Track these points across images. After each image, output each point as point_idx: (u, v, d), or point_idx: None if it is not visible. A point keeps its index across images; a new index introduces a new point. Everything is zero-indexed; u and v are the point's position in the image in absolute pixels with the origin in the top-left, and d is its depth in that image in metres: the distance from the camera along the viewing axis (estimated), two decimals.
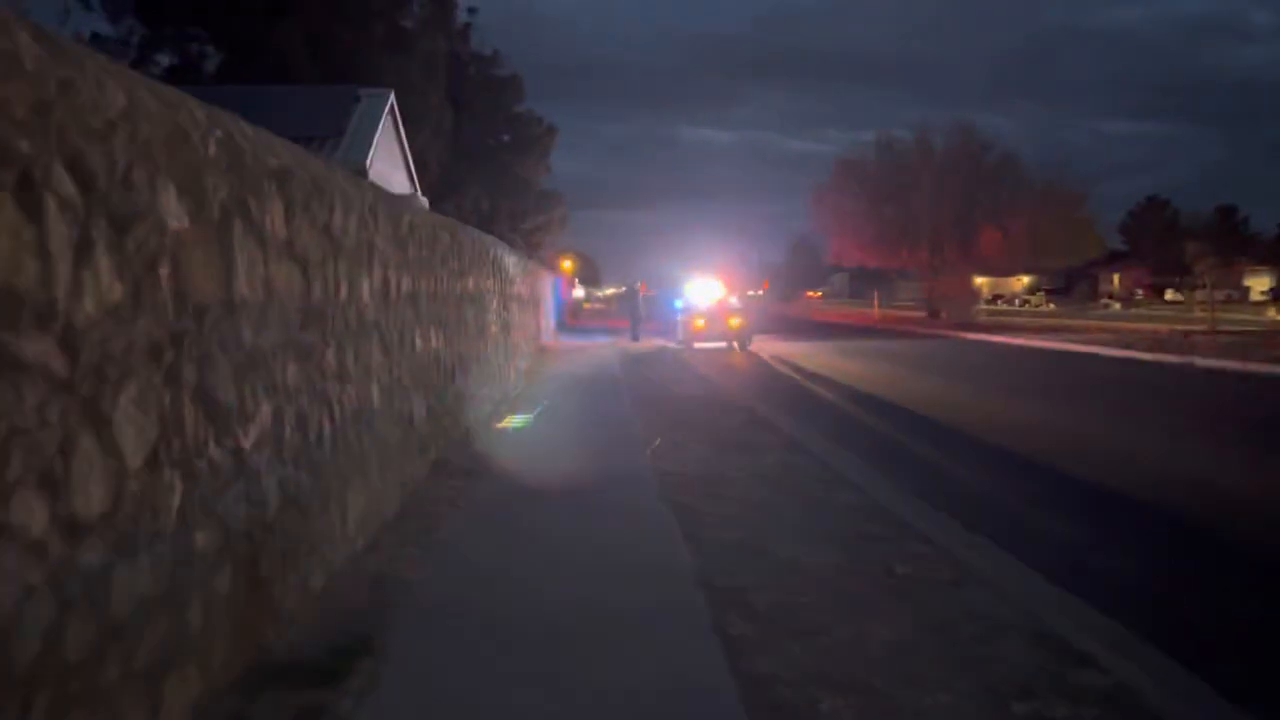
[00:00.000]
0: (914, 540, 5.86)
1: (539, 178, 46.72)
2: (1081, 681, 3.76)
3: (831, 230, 50.57)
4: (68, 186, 2.43)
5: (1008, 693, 3.63)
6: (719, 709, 3.48)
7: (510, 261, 15.41)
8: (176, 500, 2.97)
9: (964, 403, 14.26)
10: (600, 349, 25.43)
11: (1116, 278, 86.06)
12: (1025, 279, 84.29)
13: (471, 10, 41.72)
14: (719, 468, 8.13)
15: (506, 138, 43.97)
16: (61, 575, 2.33)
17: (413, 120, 26.28)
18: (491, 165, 41.00)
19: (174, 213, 3.04)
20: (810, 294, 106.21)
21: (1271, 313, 47.53)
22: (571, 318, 49.11)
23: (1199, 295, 51.80)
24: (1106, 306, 69.75)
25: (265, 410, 3.82)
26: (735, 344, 26.60)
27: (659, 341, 28.34)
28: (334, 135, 19.98)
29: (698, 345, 26.56)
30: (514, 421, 11.00)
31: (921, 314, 50.72)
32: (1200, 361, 19.53)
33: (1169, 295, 74.11)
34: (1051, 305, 72.19)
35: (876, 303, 56.24)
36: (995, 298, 78.27)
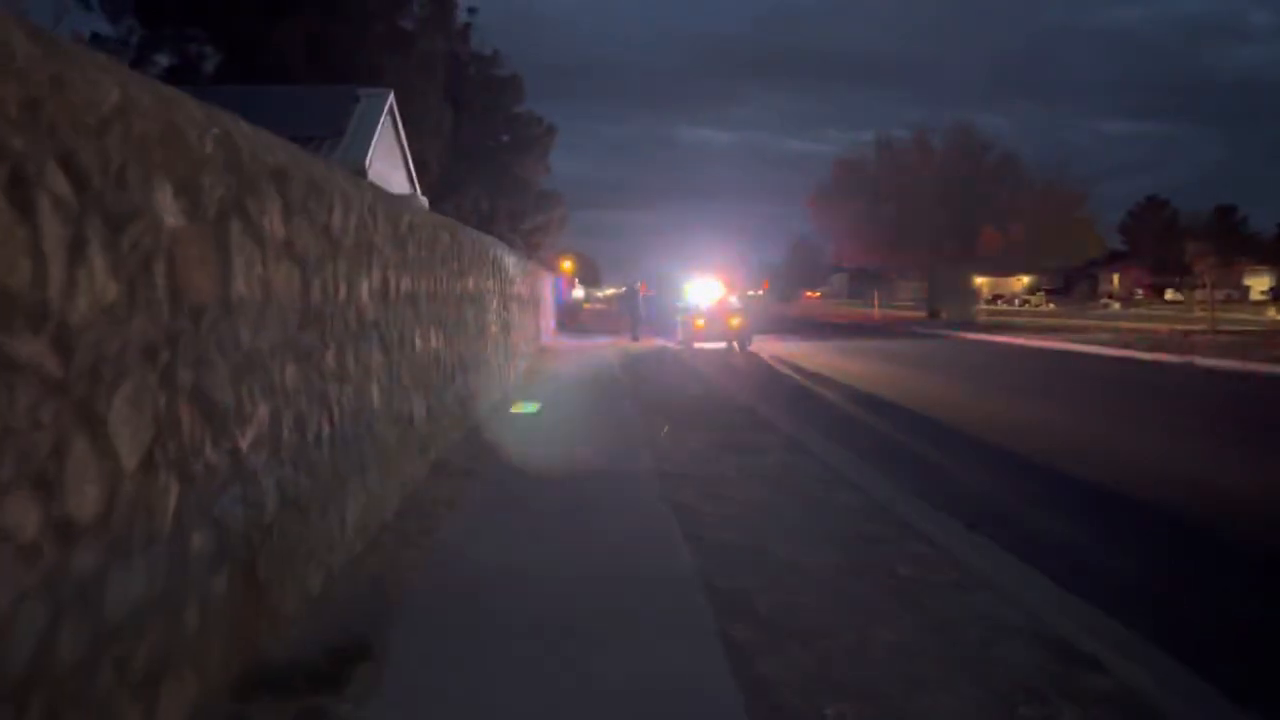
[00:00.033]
0: (915, 541, 5.83)
1: (538, 178, 46.73)
2: (1087, 685, 3.73)
3: (831, 230, 50.61)
4: (61, 184, 2.40)
5: (1013, 697, 3.60)
6: (721, 713, 3.44)
7: (510, 262, 15.38)
8: (172, 502, 2.94)
9: (964, 402, 14.23)
10: (600, 349, 25.40)
11: (1116, 278, 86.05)
12: (1025, 279, 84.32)
13: (471, 10, 41.74)
14: (719, 468, 8.10)
15: (506, 138, 43.96)
16: (55, 579, 2.30)
17: (412, 120, 26.25)
18: (491, 165, 40.98)
19: (170, 211, 3.01)
20: (808, 294, 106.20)
21: (1271, 312, 47.52)
22: (571, 318, 49.08)
23: (1199, 295, 51.80)
24: (1106, 306, 69.72)
25: (263, 411, 3.79)
26: (735, 344, 26.56)
27: (659, 341, 28.31)
28: (333, 135, 19.95)
29: (697, 345, 26.52)
30: (514, 422, 10.96)
31: (921, 314, 50.71)
32: (1201, 361, 19.50)
33: (1168, 295, 74.12)
34: (1051, 305, 72.20)
35: (876, 303, 56.22)
36: (995, 297, 78.27)
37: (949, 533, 6.21)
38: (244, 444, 3.56)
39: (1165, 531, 6.73)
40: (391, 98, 23.16)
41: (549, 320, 29.67)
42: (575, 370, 18.73)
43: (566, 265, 52.64)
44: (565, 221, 51.86)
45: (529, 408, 12.25)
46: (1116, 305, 70.18)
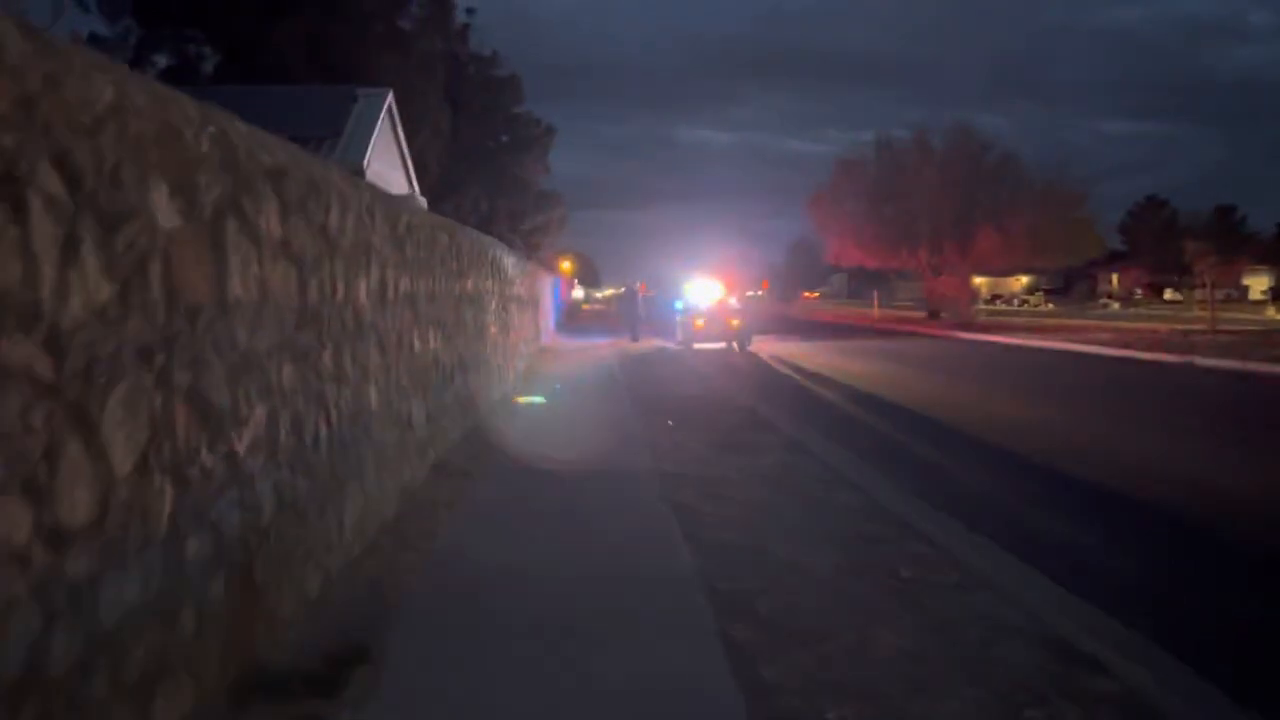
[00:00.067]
0: (916, 541, 5.81)
1: (537, 178, 46.76)
2: (1091, 687, 3.71)
3: (830, 230, 50.44)
4: (54, 184, 2.36)
5: (1018, 699, 3.58)
6: (722, 715, 3.41)
7: (509, 262, 15.35)
8: (167, 506, 2.91)
9: (963, 402, 14.19)
10: (599, 349, 25.36)
11: (1115, 277, 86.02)
12: (1024, 279, 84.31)
13: (470, 11, 41.78)
14: (720, 468, 8.07)
15: (505, 138, 43.98)
16: (47, 584, 2.26)
17: (411, 121, 26.23)
18: (490, 166, 40.99)
19: (165, 211, 2.98)
20: (806, 294, 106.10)
21: (1271, 312, 47.52)
22: (570, 318, 49.06)
23: (1198, 294, 51.77)
24: (1105, 306, 69.70)
25: (260, 413, 3.75)
26: (734, 344, 26.53)
27: (658, 342, 28.27)
28: (331, 135, 19.91)
29: (697, 346, 26.50)
30: (513, 423, 10.93)
31: (920, 314, 50.66)
32: (1201, 361, 19.47)
33: (1168, 295, 74.12)
34: (1050, 305, 72.17)
35: (876, 303, 56.17)
36: (994, 297, 78.28)
37: (949, 533, 6.19)
38: (240, 446, 3.53)
39: (1165, 531, 6.70)
40: (390, 98, 23.13)
41: (548, 321, 29.64)
42: (574, 371, 18.70)
43: (565, 266, 52.66)
44: (564, 222, 51.91)
45: (528, 409, 12.22)
46: (1116, 305, 70.13)
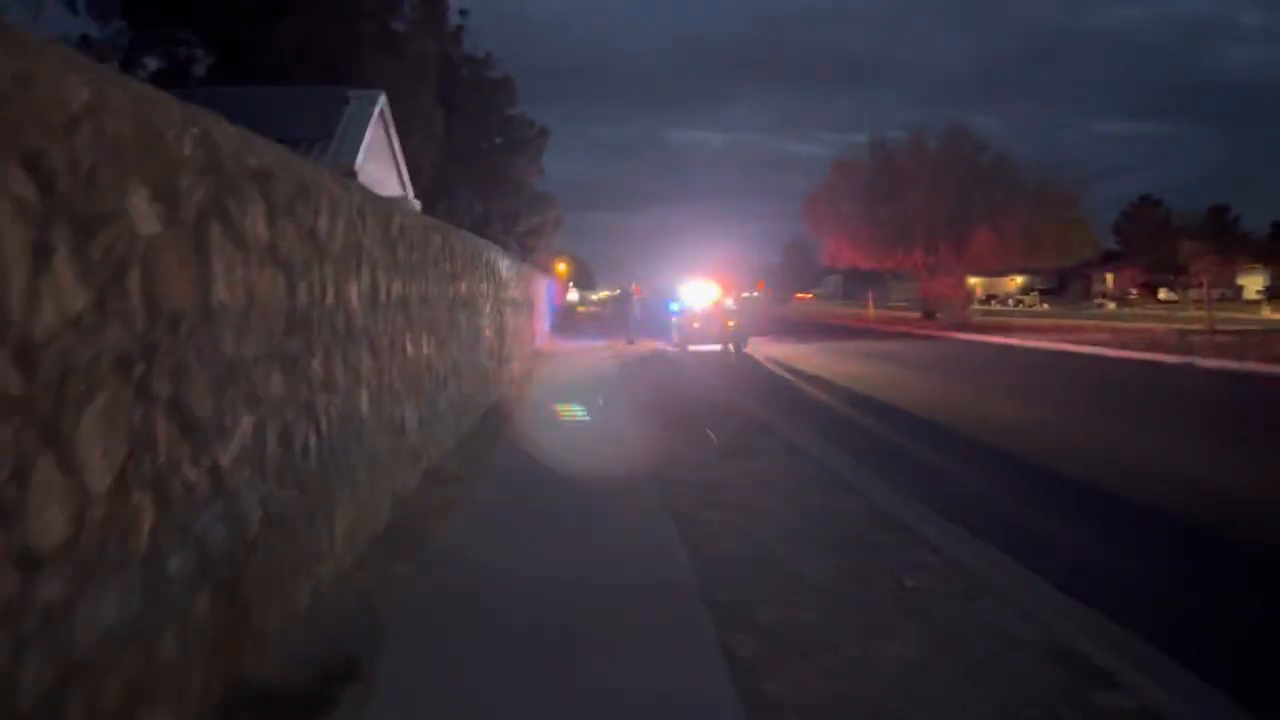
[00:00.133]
0: (919, 548, 5.71)
1: (532, 180, 46.70)
2: (1102, 702, 3.61)
3: (826, 231, 50.37)
4: (24, 187, 2.25)
5: (1026, 715, 3.48)
6: None
7: (503, 265, 15.23)
8: (147, 523, 2.79)
9: (961, 404, 14.11)
10: (595, 352, 25.25)
11: (1110, 277, 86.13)
12: (1019, 279, 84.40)
13: (463, 13, 41.70)
14: (718, 473, 7.96)
15: (499, 140, 43.91)
16: (15, 611, 2.14)
17: (404, 122, 26.09)
18: (484, 168, 40.92)
19: (145, 215, 2.86)
20: (799, 295, 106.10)
21: (1266, 311, 47.57)
22: (565, 321, 48.94)
23: (1193, 294, 51.82)
24: (1100, 306, 69.81)
25: (246, 423, 3.63)
26: (731, 347, 26.44)
27: (654, 344, 28.16)
28: (323, 137, 19.74)
29: (693, 348, 26.40)
30: (508, 427, 10.81)
31: (916, 315, 50.64)
32: (1200, 362, 19.41)
33: (1162, 294, 74.18)
34: (1045, 305, 72.26)
35: (872, 304, 56.13)
36: (989, 298, 78.30)
37: (952, 538, 6.09)
38: (225, 458, 3.41)
39: (1170, 534, 6.62)
40: (383, 99, 22.98)
41: (543, 324, 29.50)
42: (570, 374, 18.58)
43: (561, 268, 52.53)
44: (559, 224, 51.85)
45: (523, 413, 12.10)
46: (1111, 305, 70.24)
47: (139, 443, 2.76)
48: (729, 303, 28.61)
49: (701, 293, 28.90)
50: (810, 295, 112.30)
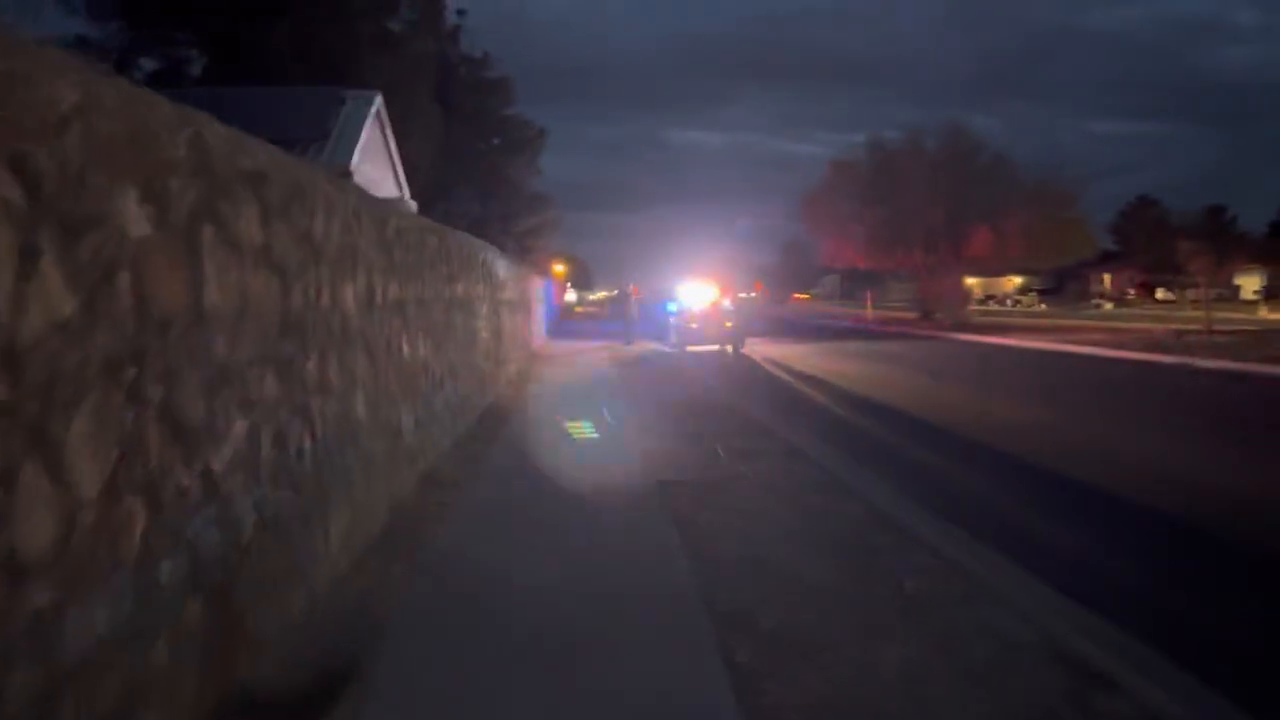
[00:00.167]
0: (918, 551, 5.67)
1: (529, 180, 46.64)
2: (1105, 707, 3.58)
3: (824, 232, 50.41)
4: (10, 188, 2.21)
5: (1027, 717, 3.46)
6: None
7: (500, 266, 15.19)
8: (138, 530, 2.75)
9: (960, 405, 14.09)
10: (593, 353, 25.20)
11: (1108, 277, 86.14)
12: (1017, 279, 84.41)
13: (460, 13, 41.61)
14: (717, 475, 7.92)
15: (497, 140, 43.85)
16: (3, 618, 2.11)
17: (401, 123, 26.02)
18: (482, 168, 40.86)
19: (136, 218, 2.82)
20: (797, 295, 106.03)
21: (1264, 311, 47.58)
22: (563, 321, 48.89)
23: (1190, 294, 51.82)
24: (1098, 306, 69.83)
25: (239, 427, 3.59)
26: (729, 347, 26.43)
27: (652, 345, 28.13)
28: (319, 138, 19.67)
29: (691, 349, 26.38)
30: (505, 430, 10.77)
31: (914, 315, 50.62)
32: (1198, 362, 19.39)
33: (1159, 294, 74.19)
34: (1043, 305, 72.26)
35: (870, 304, 56.12)
36: (988, 298, 78.34)
37: (954, 542, 6.05)
38: (218, 462, 3.37)
39: (1171, 536, 6.60)
40: (379, 100, 22.91)
41: (540, 325, 29.47)
42: (567, 376, 18.54)
43: (558, 269, 52.49)
44: (557, 224, 51.77)
45: (520, 415, 12.06)
46: (1109, 305, 70.26)
47: (130, 447, 2.73)
48: (727, 303, 28.61)
49: (699, 293, 28.91)
50: (808, 295, 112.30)
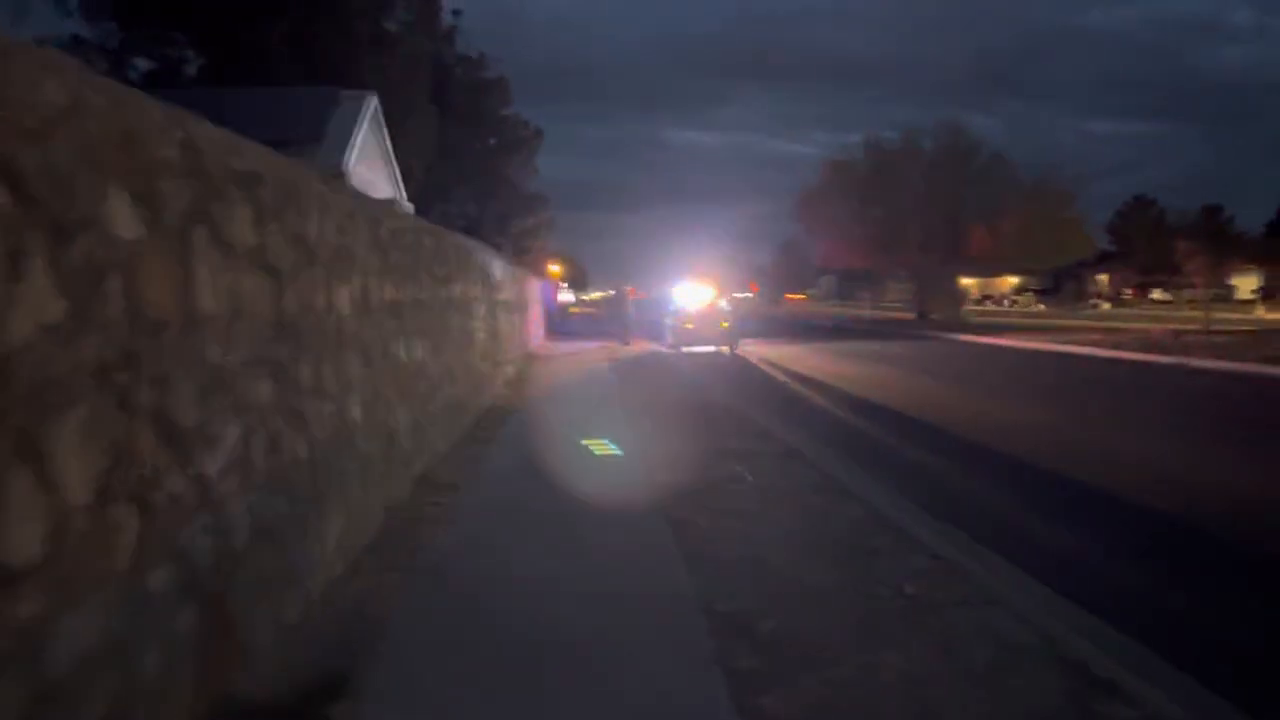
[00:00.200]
0: (918, 553, 5.64)
1: (526, 181, 46.59)
2: (1109, 713, 3.54)
3: (820, 232, 50.46)
4: None
5: None
6: None
7: (497, 267, 15.15)
8: (130, 538, 2.70)
9: (958, 405, 14.06)
10: (589, 354, 25.15)
11: (1105, 277, 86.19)
12: (1013, 279, 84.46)
13: (456, 13, 41.55)
14: (715, 476, 7.87)
15: (493, 141, 43.81)
16: None
17: (397, 123, 25.98)
18: (478, 169, 40.81)
19: (126, 221, 2.78)
20: (790, 296, 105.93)
21: (1260, 311, 47.63)
22: (559, 321, 48.83)
23: (1187, 294, 51.86)
24: (1095, 306, 69.91)
25: (233, 432, 3.55)
26: (725, 348, 26.43)
27: (649, 345, 28.11)
28: (313, 139, 19.61)
29: (687, 349, 26.37)
30: (502, 433, 10.73)
31: (910, 315, 50.64)
32: (1196, 363, 19.38)
33: (1156, 295, 74.27)
34: (1040, 306, 72.31)
35: (866, 305, 56.13)
36: (984, 298, 78.41)
37: (954, 544, 6.02)
38: (211, 468, 3.33)
39: (1171, 538, 6.57)
40: (375, 100, 22.88)
41: (537, 325, 29.42)
42: (564, 377, 18.49)
43: (555, 269, 52.43)
44: (554, 224, 51.74)
45: (517, 418, 12.02)
46: (1106, 305, 70.36)
47: (121, 454, 2.68)
48: (723, 304, 28.63)
49: (695, 294, 28.94)
50: (803, 296, 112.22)
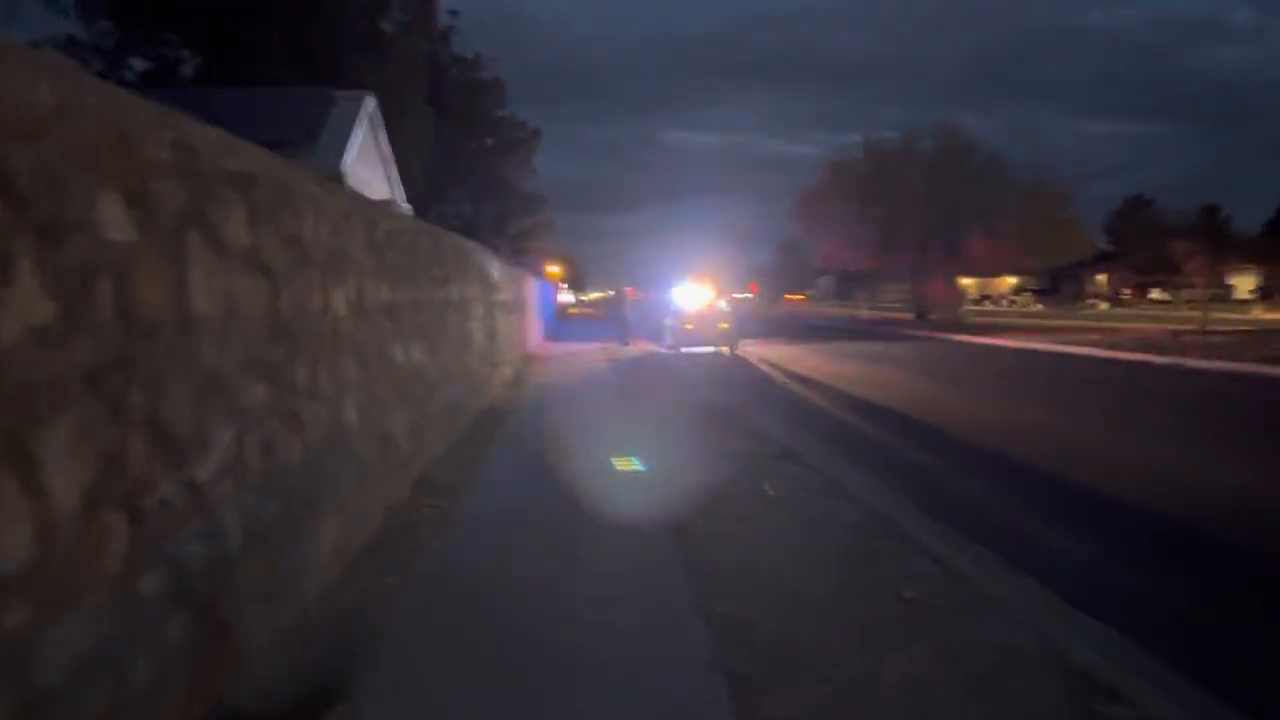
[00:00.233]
0: (918, 557, 5.61)
1: (523, 182, 46.58)
2: (1109, 713, 3.52)
3: (818, 232, 50.47)
4: None
5: None
6: None
7: (494, 267, 15.11)
8: (120, 544, 2.67)
9: (956, 406, 14.03)
10: (588, 354, 25.10)
11: (1104, 278, 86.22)
12: (1011, 279, 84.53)
13: (453, 13, 41.53)
14: (715, 478, 7.83)
15: (490, 141, 43.81)
16: None
17: (394, 124, 25.94)
18: (475, 169, 40.79)
19: (118, 223, 2.74)
20: (789, 296, 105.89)
21: (1258, 311, 47.66)
22: (558, 322, 48.80)
23: (1185, 294, 51.88)
24: (1093, 306, 69.92)
25: (226, 435, 3.51)
26: (724, 348, 26.40)
27: (648, 346, 28.07)
28: (309, 139, 19.55)
29: (686, 350, 26.34)
30: (500, 434, 10.69)
31: (908, 315, 50.64)
32: (1194, 363, 19.37)
33: (1155, 295, 74.31)
34: (1038, 306, 72.32)
35: (865, 305, 56.15)
36: (983, 298, 78.44)
37: (955, 547, 6.00)
38: (204, 473, 3.29)
39: (1164, 533, 6.57)
40: (371, 101, 22.83)
41: (536, 326, 29.38)
42: (563, 378, 18.44)
43: (553, 270, 52.41)
44: (552, 225, 51.74)
45: (515, 419, 11.99)
46: (1104, 305, 70.37)
47: (112, 459, 2.65)
48: (722, 304, 28.60)
49: (695, 295, 28.90)
50: (802, 296, 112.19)
